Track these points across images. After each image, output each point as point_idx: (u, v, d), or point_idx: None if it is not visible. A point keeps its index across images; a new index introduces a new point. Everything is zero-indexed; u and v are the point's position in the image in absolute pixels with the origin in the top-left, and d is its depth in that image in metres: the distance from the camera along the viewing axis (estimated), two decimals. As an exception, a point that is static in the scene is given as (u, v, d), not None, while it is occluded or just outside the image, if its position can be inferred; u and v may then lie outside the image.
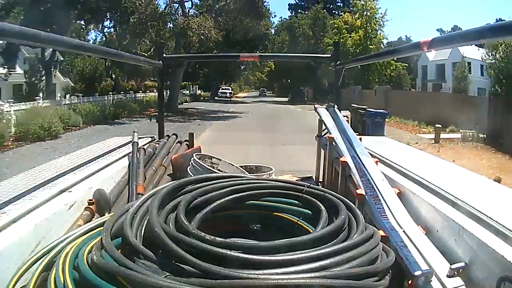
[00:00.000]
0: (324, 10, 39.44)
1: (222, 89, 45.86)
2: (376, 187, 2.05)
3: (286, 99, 42.69)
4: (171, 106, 24.31)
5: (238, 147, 11.46)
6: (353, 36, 31.01)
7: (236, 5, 23.49)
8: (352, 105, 16.92)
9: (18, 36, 1.53)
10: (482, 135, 14.60)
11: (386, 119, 15.70)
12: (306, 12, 43.55)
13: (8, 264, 1.35)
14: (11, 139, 13.91)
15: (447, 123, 16.14)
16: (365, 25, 30.50)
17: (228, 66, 36.44)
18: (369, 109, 15.00)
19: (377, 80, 32.20)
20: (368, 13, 30.79)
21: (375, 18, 31.49)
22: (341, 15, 35.12)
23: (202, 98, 41.57)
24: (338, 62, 3.79)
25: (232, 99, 44.46)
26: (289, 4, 53.03)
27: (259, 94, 60.91)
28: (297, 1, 51.56)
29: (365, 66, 27.84)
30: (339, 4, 46.09)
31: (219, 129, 18.39)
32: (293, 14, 48.92)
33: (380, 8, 31.65)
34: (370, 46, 30.45)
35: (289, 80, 45.14)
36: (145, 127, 12.62)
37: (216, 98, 42.51)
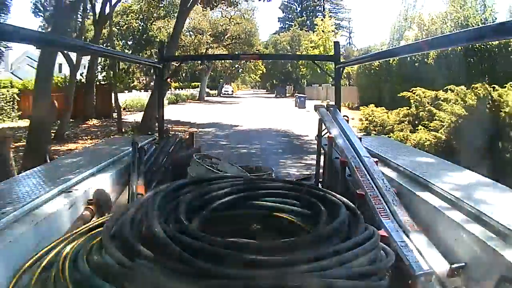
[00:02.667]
0: (299, 29, 53.19)
1: (225, 87, 56.33)
2: (376, 187, 2.05)
3: (273, 94, 55.05)
4: (201, 97, 41.38)
5: (243, 111, 26.00)
6: (314, 51, 40.68)
7: (236, 40, 38.42)
8: (296, 93, 38.91)
9: (19, 37, 1.54)
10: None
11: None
12: (291, 23, 59.38)
13: (8, 264, 1.35)
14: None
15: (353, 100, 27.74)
16: (324, 43, 39.92)
17: (229, 69, 46.89)
18: (299, 94, 33.23)
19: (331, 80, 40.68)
20: (325, 35, 40.55)
21: (330, 38, 41.05)
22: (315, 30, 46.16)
23: (210, 94, 52.15)
24: (339, 61, 3.80)
25: (233, 95, 55.92)
26: (278, 17, 69.12)
27: (253, 92, 74.97)
28: (285, 15, 67.16)
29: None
30: (320, 16, 56.51)
31: (233, 106, 33.00)
32: (281, 25, 65.86)
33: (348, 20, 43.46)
34: (326, 59, 41.07)
35: (278, 80, 57.92)
36: (198, 106, 30.83)
37: (221, 94, 53.32)
